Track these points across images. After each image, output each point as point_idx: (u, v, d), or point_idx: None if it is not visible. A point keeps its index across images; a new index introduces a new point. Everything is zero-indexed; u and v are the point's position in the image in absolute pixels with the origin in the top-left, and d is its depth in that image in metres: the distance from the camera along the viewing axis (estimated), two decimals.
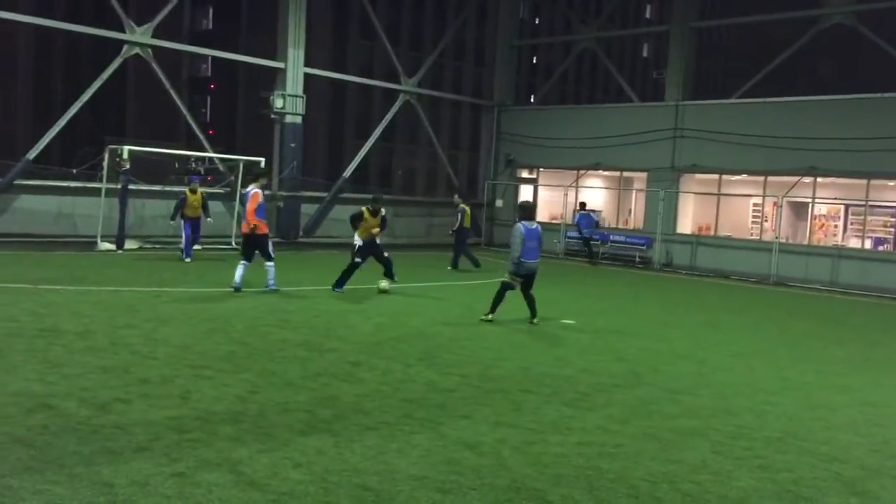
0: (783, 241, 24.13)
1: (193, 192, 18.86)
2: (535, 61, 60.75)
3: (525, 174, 31.86)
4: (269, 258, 13.96)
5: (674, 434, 6.85)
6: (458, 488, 5.25)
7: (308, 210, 26.51)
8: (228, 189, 23.78)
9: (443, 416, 6.91)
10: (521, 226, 12.10)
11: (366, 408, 7.05)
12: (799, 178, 23.80)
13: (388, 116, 29.91)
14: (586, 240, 25.77)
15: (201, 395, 7.08)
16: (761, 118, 24.50)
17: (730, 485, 5.68)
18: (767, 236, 24.93)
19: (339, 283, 14.60)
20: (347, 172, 28.59)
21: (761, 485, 5.72)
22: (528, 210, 12.68)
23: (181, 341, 9.33)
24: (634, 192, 29.47)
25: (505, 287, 12.35)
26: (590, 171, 29.48)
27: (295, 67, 25.24)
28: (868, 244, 23.65)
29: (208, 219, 19.26)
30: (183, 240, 18.54)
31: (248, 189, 14.08)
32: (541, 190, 31.23)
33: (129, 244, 20.08)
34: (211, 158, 24.26)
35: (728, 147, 24.89)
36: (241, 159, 23.73)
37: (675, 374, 9.38)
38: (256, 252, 13.89)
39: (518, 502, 5.09)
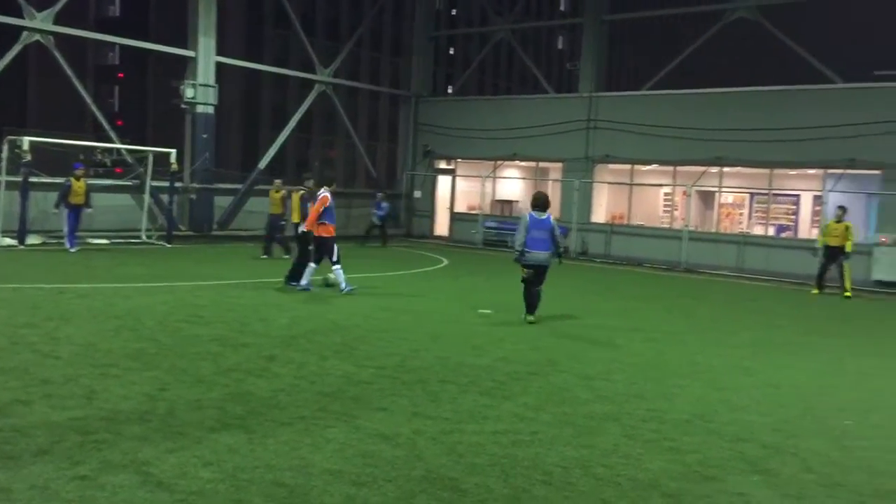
0: (692, 229, 24.88)
1: (77, 179, 18.50)
2: (452, 52, 60.91)
3: (443, 165, 31.94)
4: (336, 262, 13.99)
5: (587, 419, 6.97)
6: (374, 481, 5.21)
7: (222, 202, 25.93)
8: (138, 181, 23.04)
9: (359, 409, 6.85)
10: (527, 214, 11.93)
11: (280, 403, 6.93)
12: (706, 167, 24.57)
13: (304, 107, 29.48)
14: None
15: (107, 395, 6.83)
16: (671, 110, 25.18)
17: (640, 467, 5.81)
18: (678, 224, 25.67)
19: (294, 277, 14.45)
20: (263, 164, 28.08)
21: (670, 466, 5.87)
22: (540, 200, 12.09)
23: (86, 339, 8.99)
24: (551, 182, 29.88)
25: (525, 282, 12.07)
26: (507, 162, 29.76)
27: (206, 56, 24.59)
28: (771, 231, 24.63)
29: (89, 209, 18.86)
30: (66, 229, 18.23)
31: (319, 192, 14.06)
32: (458, 181, 31.34)
33: (32, 239, 19.27)
34: (119, 150, 23.44)
35: (640, 138, 25.49)
36: (151, 150, 23.05)
37: (589, 360, 9.55)
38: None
39: (432, 492, 5.09)
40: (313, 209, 13.89)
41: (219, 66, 25.30)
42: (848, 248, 18.39)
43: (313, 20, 47.01)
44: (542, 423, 6.75)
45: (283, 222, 19.58)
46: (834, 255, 18.67)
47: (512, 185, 31.46)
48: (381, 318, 11.67)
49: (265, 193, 26.76)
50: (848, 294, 18.54)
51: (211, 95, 24.77)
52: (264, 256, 19.47)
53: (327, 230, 13.86)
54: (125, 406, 6.54)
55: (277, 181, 20.61)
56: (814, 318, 14.88)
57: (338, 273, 13.96)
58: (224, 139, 38.90)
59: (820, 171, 23.00)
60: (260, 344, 9.34)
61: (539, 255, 11.86)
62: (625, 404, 7.56)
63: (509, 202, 30.71)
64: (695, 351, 10.62)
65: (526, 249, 11.78)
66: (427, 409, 7.00)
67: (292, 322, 10.95)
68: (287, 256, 18.33)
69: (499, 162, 29.48)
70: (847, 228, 18.47)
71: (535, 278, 12.00)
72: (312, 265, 14.07)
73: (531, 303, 12.04)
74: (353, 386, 7.65)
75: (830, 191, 21.91)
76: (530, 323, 11.88)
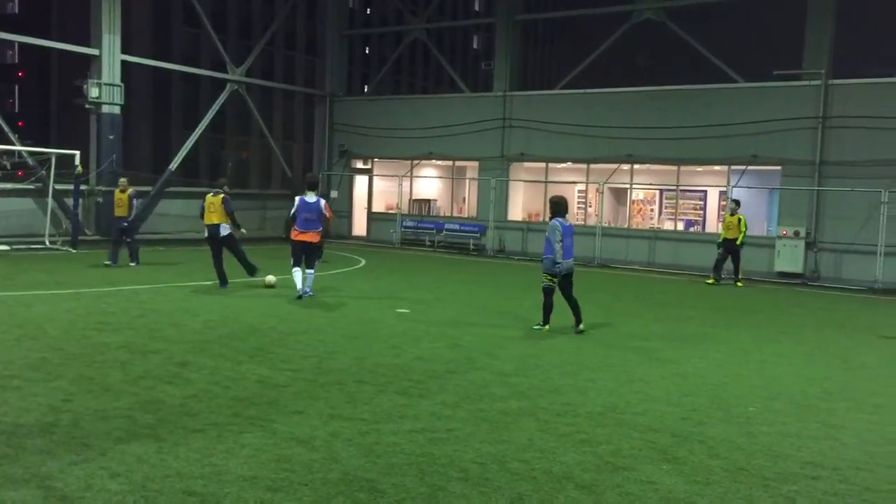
0: (606, 225, 25.45)
1: None
2: (367, 52, 60.62)
3: (360, 165, 31.78)
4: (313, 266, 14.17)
5: (503, 415, 7.04)
6: (289, 485, 5.15)
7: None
8: (40, 184, 22.15)
9: (275, 413, 6.76)
10: (556, 222, 11.28)
11: (192, 410, 6.77)
12: (618, 165, 25.17)
13: (216, 107, 28.88)
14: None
15: (7, 408, 6.54)
16: (583, 109, 25.69)
17: (555, 460, 5.91)
18: (591, 221, 26.20)
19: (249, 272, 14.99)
20: (174, 165, 27.38)
21: (584, 458, 5.99)
22: (563, 206, 11.59)
23: None
24: (467, 180, 30.11)
25: (548, 292, 11.51)
26: (423, 161, 29.83)
27: (111, 54, 23.82)
28: (680, 226, 25.40)
29: None
30: None
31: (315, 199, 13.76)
32: (376, 180, 31.24)
33: None
34: (19, 152, 22.48)
35: (554, 136, 25.92)
36: (53, 152, 22.21)
37: (506, 357, 9.65)
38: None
39: (349, 494, 5.06)
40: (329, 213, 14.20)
41: (125, 64, 24.54)
42: (739, 239, 19.28)
43: (224, 18, 46.08)
44: (458, 421, 6.79)
45: (125, 224, 17.52)
46: (730, 246, 19.54)
47: (429, 184, 31.55)
48: (298, 320, 11.53)
49: (177, 196, 26.13)
50: (740, 283, 19.47)
51: (117, 95, 24.01)
52: (107, 263, 17.27)
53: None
54: (26, 419, 6.28)
55: (123, 180, 18.40)
56: (721, 310, 15.42)
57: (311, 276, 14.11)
58: (133, 140, 37.77)
59: (725, 168, 23.85)
60: (171, 350, 9.10)
61: (570, 263, 11.51)
62: (540, 399, 7.67)
63: (427, 201, 30.80)
64: (609, 344, 10.87)
65: (559, 260, 11.26)
66: (344, 410, 6.95)
67: (206, 326, 10.71)
68: (134, 264, 17.21)
69: (415, 161, 29.51)
70: (740, 221, 19.33)
71: (564, 286, 11.52)
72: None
73: (550, 311, 11.59)
74: (268, 390, 7.54)
75: (735, 186, 22.74)
76: (542, 330, 11.52)
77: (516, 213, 27.71)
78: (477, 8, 68.44)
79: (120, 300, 12.70)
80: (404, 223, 28.73)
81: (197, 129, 28.70)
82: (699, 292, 18.49)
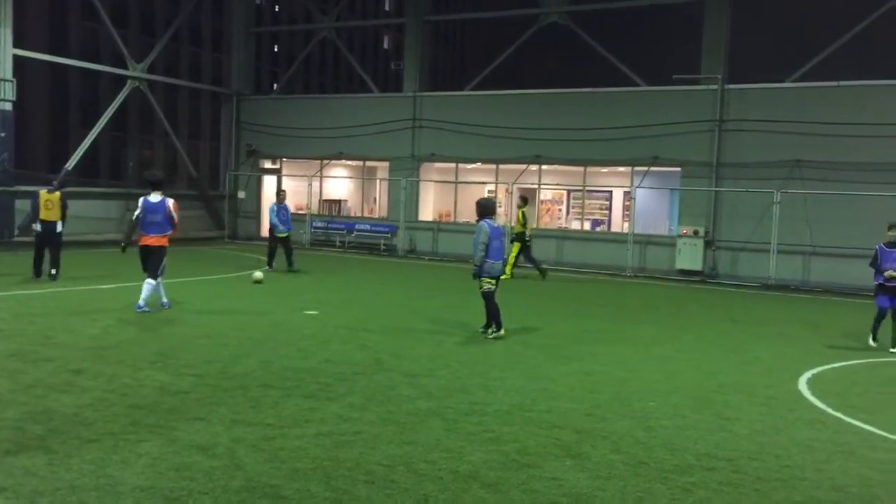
0: (515, 225, 25.72)
1: None
2: (276, 49, 59.67)
3: (268, 164, 31.24)
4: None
5: (411, 416, 7.04)
6: (188, 495, 5.00)
7: (24, 206, 24.01)
8: None
9: (175, 421, 6.56)
10: (485, 224, 11.17)
11: (87, 419, 6.52)
12: (526, 165, 25.54)
13: (115, 104, 27.90)
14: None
15: None
16: (492, 109, 25.95)
17: (462, 459, 5.94)
18: (501, 221, 26.43)
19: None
20: (71, 164, 26.30)
21: (490, 457, 6.04)
22: (490, 207, 11.58)
23: None
24: (378, 181, 30.01)
25: (489, 295, 11.29)
26: (333, 161, 29.56)
27: (2, 48, 22.69)
28: (587, 225, 25.97)
29: None
30: None
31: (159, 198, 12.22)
32: (285, 180, 30.77)
33: None
34: None
35: (463, 137, 26.10)
36: None
37: (414, 357, 9.65)
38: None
39: (252, 502, 4.96)
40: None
41: (17, 59, 23.43)
42: (520, 232, 19.54)
43: (125, 12, 44.58)
44: (366, 423, 6.75)
45: (58, 230, 15.53)
46: (519, 240, 19.65)
47: (339, 184, 31.31)
48: (202, 324, 11.25)
49: (75, 196, 25.14)
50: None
51: (8, 91, 22.90)
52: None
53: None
54: None
55: (53, 180, 17.22)
56: (625, 308, 15.82)
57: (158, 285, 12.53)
58: (28, 139, 36.12)
59: (628, 169, 24.49)
60: (66, 357, 8.73)
61: (500, 264, 11.44)
62: (448, 399, 7.70)
63: (337, 201, 30.55)
64: (516, 343, 11.00)
65: (489, 261, 11.17)
66: (248, 415, 6.81)
67: (104, 332, 10.32)
68: (54, 272, 15.36)
69: (325, 161, 29.22)
70: (523, 214, 19.69)
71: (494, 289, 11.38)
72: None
73: (498, 316, 11.34)
74: (169, 396, 7.32)
75: (638, 187, 23.39)
76: (500, 338, 11.20)
77: (427, 213, 27.78)
78: (387, 7, 68.38)
79: (10, 305, 12.11)
80: (314, 224, 28.41)
81: (95, 127, 27.65)
82: (606, 290, 18.94)
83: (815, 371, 9.87)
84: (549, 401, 7.82)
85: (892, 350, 11.27)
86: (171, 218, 12.28)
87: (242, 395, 7.50)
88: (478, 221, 11.45)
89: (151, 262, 12.18)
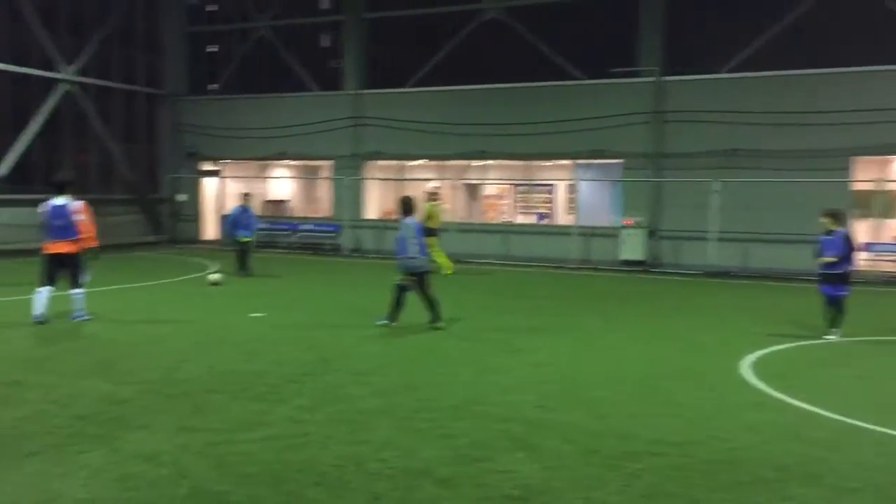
0: (461, 220, 25.81)
1: None
2: (213, 49, 58.61)
3: (209, 167, 30.72)
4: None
5: (361, 415, 6.98)
6: None
7: None
8: None
9: (118, 430, 6.40)
10: (409, 221, 11.70)
11: (27, 431, 6.31)
12: (471, 161, 25.59)
13: (46, 108, 27.12)
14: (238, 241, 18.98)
15: None
16: (435, 106, 25.93)
17: (413, 457, 5.91)
18: (447, 217, 26.48)
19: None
20: (2, 170, 25.48)
21: (442, 452, 6.03)
22: (412, 205, 11.98)
23: None
24: (322, 180, 29.75)
25: (400, 289, 11.66)
26: (275, 162, 29.20)
27: None
28: (532, 219, 26.15)
29: None
30: None
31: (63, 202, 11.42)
32: (226, 182, 30.30)
33: None
34: None
35: (406, 134, 26.02)
36: None
37: (363, 356, 9.58)
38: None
39: None
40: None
41: None
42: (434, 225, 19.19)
43: (55, 12, 43.29)
44: (315, 424, 6.68)
45: None
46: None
47: (282, 184, 30.96)
48: (144, 331, 10.99)
49: (7, 204, 24.42)
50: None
51: None
52: None
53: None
54: None
55: None
56: (571, 299, 15.97)
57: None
58: None
59: (571, 162, 24.73)
60: (1, 369, 8.44)
61: (425, 260, 11.80)
62: (397, 396, 7.66)
63: (281, 202, 30.21)
64: (464, 337, 11.01)
65: (416, 256, 11.56)
66: (193, 422, 6.67)
67: (41, 341, 10.03)
68: None
69: (267, 162, 28.84)
70: (431, 209, 19.61)
71: (420, 284, 11.69)
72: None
73: (400, 309, 11.71)
74: (111, 405, 7.13)
75: (581, 180, 23.62)
76: (385, 326, 11.56)
77: (372, 211, 27.64)
78: (325, 5, 67.75)
79: None
80: (258, 225, 28.00)
81: (26, 132, 26.84)
82: (551, 283, 19.09)
83: (756, 355, 10.09)
84: (500, 394, 7.84)
85: (827, 333, 11.54)
86: (77, 222, 11.40)
87: (187, 401, 7.34)
88: (402, 218, 11.86)
89: (68, 272, 11.48)
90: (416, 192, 27.92)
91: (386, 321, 11.67)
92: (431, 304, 11.75)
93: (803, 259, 14.96)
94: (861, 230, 20.58)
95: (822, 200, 19.10)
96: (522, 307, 14.53)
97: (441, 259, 19.20)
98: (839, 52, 21.09)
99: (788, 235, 20.25)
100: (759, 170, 21.52)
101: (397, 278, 11.74)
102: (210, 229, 30.19)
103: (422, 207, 18.86)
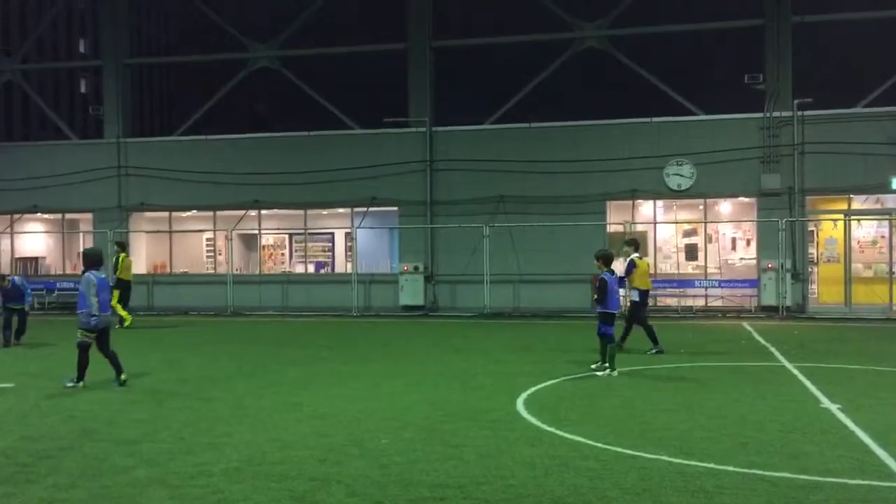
0: (237, 272, 25.04)
1: None
2: None
3: None
4: None
5: (129, 488, 6.44)
6: None
7: None
8: None
9: None
10: (91, 275, 11.13)
11: None
12: (245, 211, 24.99)
13: None
14: None
15: None
16: (205, 154, 25.17)
17: None
18: (222, 269, 25.60)
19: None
20: None
21: None
22: (95, 258, 11.56)
23: None
24: (82, 234, 27.66)
25: (83, 347, 11.12)
26: (27, 215, 26.80)
27: None
28: (311, 268, 25.93)
29: None
30: None
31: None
32: None
33: None
34: None
35: (176, 184, 24.98)
36: None
37: (131, 423, 8.89)
38: None
39: None
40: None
41: None
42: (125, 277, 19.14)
43: None
44: (76, 502, 6.05)
45: None
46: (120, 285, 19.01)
47: (35, 240, 28.41)
48: None
49: None
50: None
51: None
52: None
53: None
54: None
55: None
56: (353, 347, 15.93)
57: None
58: None
59: (348, 210, 24.89)
60: None
61: (107, 316, 11.50)
62: (171, 463, 7.16)
63: (34, 259, 27.68)
64: (243, 394, 10.57)
65: (101, 314, 11.12)
66: None
67: None
68: None
69: (17, 216, 26.40)
70: (118, 260, 19.26)
71: (100, 341, 11.28)
72: None
73: (86, 367, 11.25)
74: None
75: (358, 227, 23.83)
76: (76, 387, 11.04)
77: (140, 265, 26.05)
78: (82, 49, 63.81)
79: None
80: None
81: None
82: (333, 332, 18.95)
83: (530, 391, 10.57)
84: (281, 451, 7.57)
85: (591, 367, 12.33)
86: None
87: None
88: (83, 273, 11.53)
89: None
90: (187, 243, 26.87)
91: (73, 383, 11.11)
92: (113, 360, 11.35)
93: (566, 297, 16.11)
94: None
95: (583, 242, 20.72)
96: (303, 358, 14.26)
97: (122, 311, 18.92)
98: (594, 105, 23.26)
99: (551, 276, 21.69)
100: (523, 214, 22.91)
101: (80, 336, 11.19)
102: None
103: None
